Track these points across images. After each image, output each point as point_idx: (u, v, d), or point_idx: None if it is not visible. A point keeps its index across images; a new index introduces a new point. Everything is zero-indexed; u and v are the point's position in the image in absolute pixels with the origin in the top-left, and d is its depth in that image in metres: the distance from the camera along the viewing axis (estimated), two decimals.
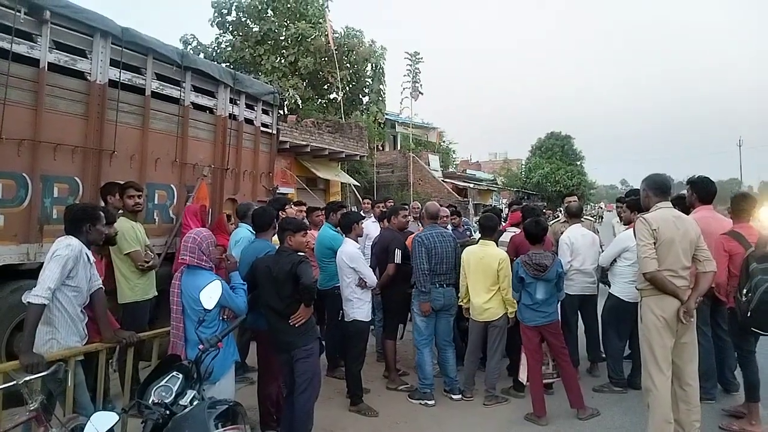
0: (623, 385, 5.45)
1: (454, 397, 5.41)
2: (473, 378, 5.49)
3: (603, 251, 5.99)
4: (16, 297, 4.91)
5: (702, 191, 5.13)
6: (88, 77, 5.61)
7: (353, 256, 5.12)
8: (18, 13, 4.90)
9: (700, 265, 3.96)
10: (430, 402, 5.27)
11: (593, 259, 5.84)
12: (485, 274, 5.28)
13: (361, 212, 9.63)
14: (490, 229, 5.56)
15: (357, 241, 5.37)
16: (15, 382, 2.91)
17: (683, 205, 5.42)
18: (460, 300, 5.47)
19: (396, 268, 5.62)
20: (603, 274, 6.00)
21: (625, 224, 5.85)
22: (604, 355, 5.95)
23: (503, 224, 6.86)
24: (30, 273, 5.07)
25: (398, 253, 5.65)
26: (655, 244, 3.89)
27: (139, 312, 4.72)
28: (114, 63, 5.84)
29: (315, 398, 4.12)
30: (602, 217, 45.13)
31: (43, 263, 4.90)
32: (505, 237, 6.10)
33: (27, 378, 2.92)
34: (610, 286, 5.76)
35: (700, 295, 3.92)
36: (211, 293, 3.31)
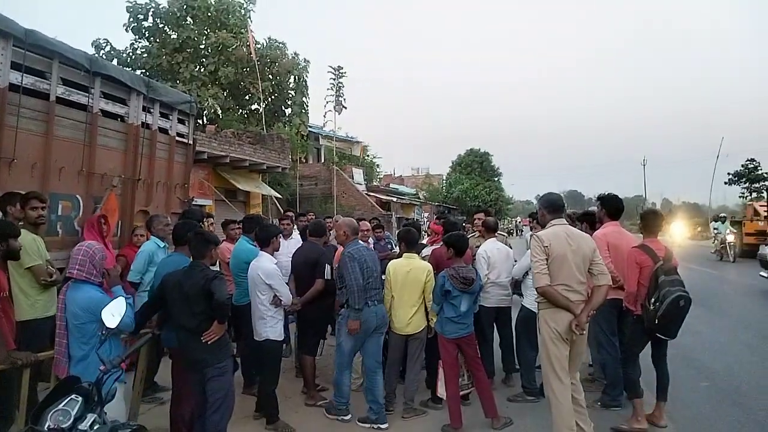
0: (536, 394, 5.61)
1: (382, 427, 5.02)
2: (394, 391, 5.47)
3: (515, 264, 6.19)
4: None
5: (611, 207, 5.51)
6: None
7: (270, 272, 4.95)
8: None
9: (594, 279, 4.20)
10: (346, 417, 5.19)
11: (508, 271, 6.03)
12: (413, 287, 5.31)
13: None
14: (412, 243, 5.62)
15: (273, 256, 5.22)
16: None
17: (592, 220, 5.75)
18: None
19: (323, 284, 5.56)
20: (516, 286, 6.18)
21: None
22: (518, 366, 6.11)
23: (426, 238, 6.94)
24: None
25: (328, 268, 5.61)
26: (547, 260, 4.10)
27: (40, 330, 4.40)
28: (15, 66, 5.49)
29: (228, 417, 3.99)
30: (521, 230, 46.78)
31: None
32: (427, 251, 6.16)
33: None
34: (522, 297, 5.97)
35: (593, 308, 4.13)
36: (113, 311, 3.13)
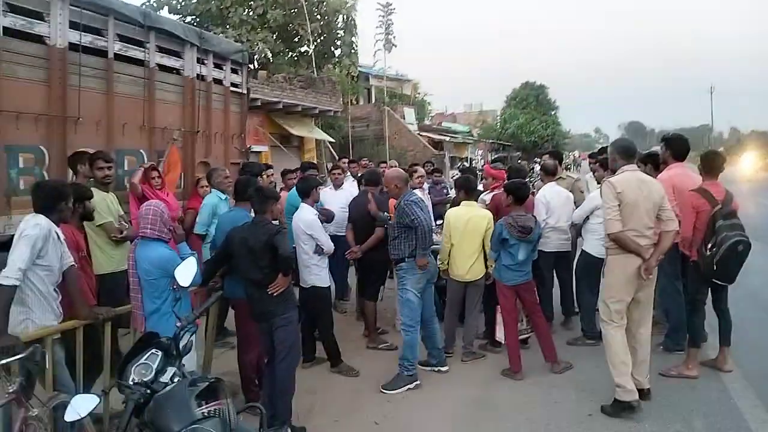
0: (596, 337, 5.57)
1: (443, 369, 5.14)
2: (454, 335, 5.57)
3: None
4: None
5: (677, 148, 5.28)
6: (47, 41, 5.40)
7: (310, 223, 5.06)
8: None
9: (662, 224, 4.23)
10: (418, 383, 4.94)
11: (567, 216, 5.93)
12: (472, 236, 5.29)
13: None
14: (471, 190, 5.57)
15: (313, 207, 5.26)
16: None
17: (656, 162, 5.53)
18: (440, 262, 5.45)
19: (384, 231, 5.62)
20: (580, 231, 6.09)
21: (597, 182, 5.92)
22: (577, 309, 6.10)
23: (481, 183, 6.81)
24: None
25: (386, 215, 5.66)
26: (619, 206, 4.12)
27: (118, 282, 4.65)
28: (73, 25, 5.61)
29: (296, 365, 4.19)
30: (580, 165, 45.50)
31: (12, 236, 4.89)
32: (486, 196, 6.03)
33: (3, 361, 2.88)
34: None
35: (662, 253, 4.20)
36: (185, 270, 3.28)
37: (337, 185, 6.88)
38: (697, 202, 4.63)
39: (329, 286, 5.50)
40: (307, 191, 5.21)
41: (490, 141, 41.14)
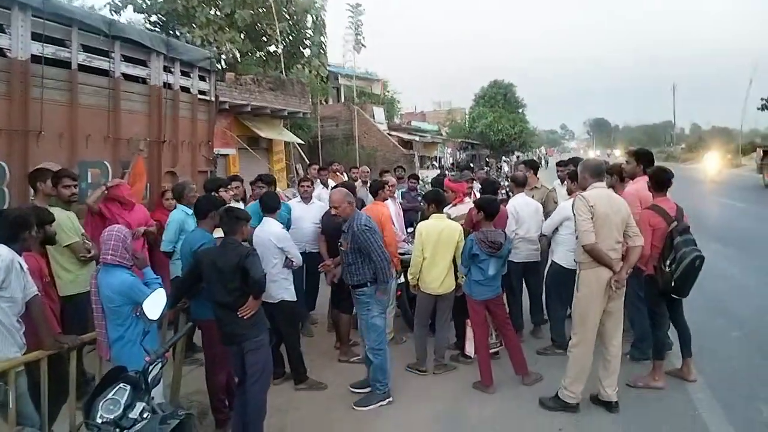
0: (565, 347, 5.64)
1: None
2: (426, 349, 5.55)
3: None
4: None
5: (645, 162, 5.45)
6: (8, 53, 5.28)
7: (281, 236, 5.05)
8: None
9: (630, 240, 4.42)
10: (390, 399, 4.90)
11: (537, 227, 6.01)
12: (445, 249, 5.30)
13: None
14: (442, 203, 5.59)
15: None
16: None
17: (621, 174, 5.67)
18: (410, 276, 5.47)
19: None
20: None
21: (568, 192, 6.00)
22: (546, 318, 6.19)
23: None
24: None
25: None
26: (591, 219, 4.29)
27: (83, 304, 4.55)
28: (36, 37, 5.46)
29: (267, 387, 4.14)
30: (548, 162, 46.05)
31: None
32: (450, 210, 5.96)
33: None
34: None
35: (630, 267, 4.42)
36: (154, 303, 3.22)
37: (307, 199, 6.69)
38: (654, 219, 4.77)
39: (296, 300, 5.46)
40: (274, 209, 5.18)
41: (459, 140, 41.40)
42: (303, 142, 19.75)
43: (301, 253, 5.54)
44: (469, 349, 5.30)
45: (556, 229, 5.80)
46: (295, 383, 5.28)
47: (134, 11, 21.34)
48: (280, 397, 4.94)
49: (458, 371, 5.48)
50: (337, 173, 9.68)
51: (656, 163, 5.52)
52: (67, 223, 4.59)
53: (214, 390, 4.45)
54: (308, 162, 15.13)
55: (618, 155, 42.34)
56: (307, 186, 6.76)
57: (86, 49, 6.13)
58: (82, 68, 6.06)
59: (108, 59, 6.39)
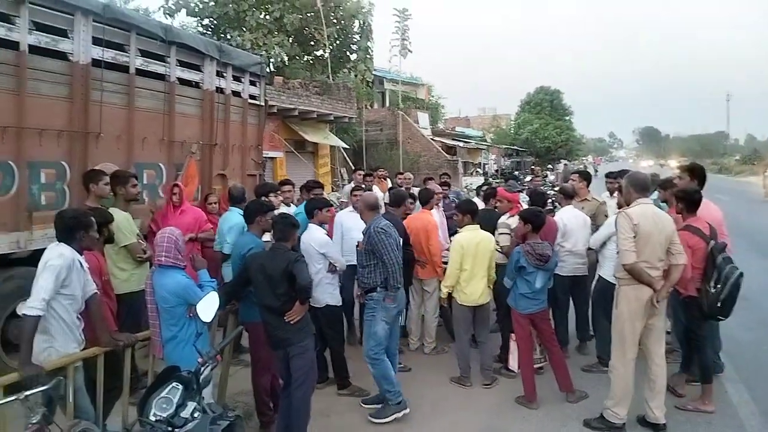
0: None
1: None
2: (469, 362, 5.48)
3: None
4: (9, 286, 4.96)
5: (700, 178, 5.31)
6: (71, 58, 5.45)
7: (322, 242, 5.08)
8: None
9: (672, 257, 4.32)
10: (406, 411, 4.80)
11: (584, 240, 5.89)
12: (483, 258, 5.31)
13: (352, 183, 9.60)
14: (476, 213, 5.54)
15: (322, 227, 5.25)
16: (16, 397, 2.91)
17: (673, 188, 5.52)
18: (444, 287, 5.44)
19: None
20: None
21: (619, 206, 5.87)
22: (592, 333, 6.07)
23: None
24: (21, 261, 5.07)
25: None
26: (634, 237, 4.22)
27: (137, 302, 4.71)
28: (96, 41, 5.65)
29: (311, 392, 4.20)
30: (596, 171, 45.07)
31: (34, 251, 4.96)
32: (509, 220, 5.81)
33: (28, 393, 2.92)
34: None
35: (671, 285, 4.36)
36: (208, 306, 3.30)
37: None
38: (692, 240, 4.64)
39: (341, 305, 5.49)
40: (311, 212, 5.22)
41: (504, 146, 41.02)
42: (348, 147, 19.98)
43: (352, 266, 5.51)
44: (513, 363, 5.24)
45: (604, 243, 5.70)
46: (338, 388, 5.31)
47: (187, 15, 22.04)
48: (323, 401, 4.98)
49: (501, 385, 5.42)
50: (383, 179, 9.73)
51: (708, 176, 5.39)
52: (125, 223, 4.75)
53: (259, 392, 4.52)
54: (353, 167, 15.24)
55: (673, 166, 40.94)
56: (359, 195, 6.51)
57: (143, 53, 6.30)
58: (140, 72, 6.23)
59: (164, 64, 6.57)
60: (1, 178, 4.87)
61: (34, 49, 5.10)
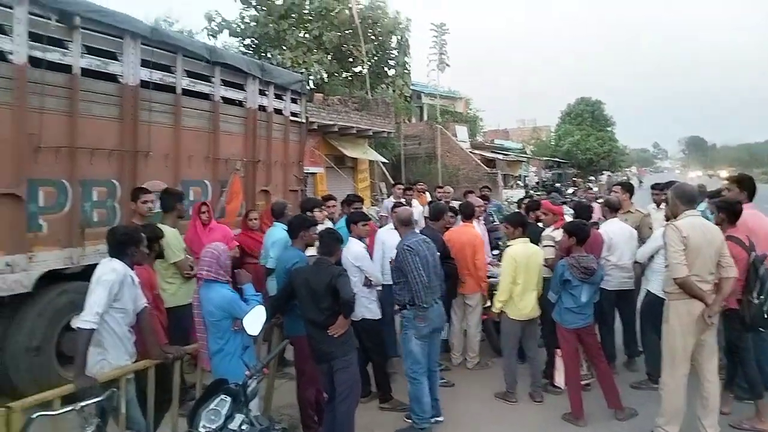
0: None
1: (439, 419, 4.87)
2: (516, 376, 5.41)
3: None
4: (62, 300, 5.11)
5: (750, 189, 5.13)
6: (120, 79, 5.65)
7: (357, 254, 5.10)
8: (49, 21, 4.94)
9: (723, 270, 4.19)
10: None
11: (631, 254, 5.76)
12: (534, 273, 5.25)
13: (392, 198, 9.65)
14: (526, 226, 5.50)
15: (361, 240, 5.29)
16: (72, 407, 3.00)
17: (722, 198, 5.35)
18: (498, 302, 5.35)
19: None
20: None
21: (666, 219, 5.73)
22: (641, 349, 5.92)
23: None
24: (74, 276, 5.25)
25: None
26: (684, 250, 4.10)
27: (186, 316, 4.81)
28: (144, 63, 5.86)
29: (355, 406, 4.21)
30: (641, 181, 44.04)
31: (85, 266, 5.13)
32: (554, 233, 5.71)
33: (83, 404, 3.01)
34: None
35: (723, 299, 4.21)
36: (254, 319, 3.36)
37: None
38: (735, 250, 4.46)
39: (380, 319, 5.47)
40: (348, 226, 5.30)
41: (544, 158, 40.55)
42: (386, 161, 20.07)
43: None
44: (559, 379, 5.14)
45: (652, 256, 5.57)
46: (379, 402, 5.30)
47: (229, 35, 22.56)
48: (366, 415, 4.96)
49: (547, 401, 5.31)
50: (422, 193, 9.74)
51: (758, 186, 5.21)
52: (173, 240, 4.89)
53: (304, 405, 4.56)
54: (392, 181, 15.31)
55: (722, 176, 39.65)
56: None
57: (189, 74, 6.50)
58: (186, 92, 6.43)
59: (209, 83, 6.76)
60: (55, 196, 5.07)
61: (86, 72, 5.32)
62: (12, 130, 4.66)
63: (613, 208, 6.02)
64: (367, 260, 5.22)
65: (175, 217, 5.16)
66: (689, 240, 4.08)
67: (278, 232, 5.58)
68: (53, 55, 4.99)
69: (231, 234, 6.05)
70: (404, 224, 4.94)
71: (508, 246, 5.52)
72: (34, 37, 4.80)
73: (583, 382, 5.07)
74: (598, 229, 5.83)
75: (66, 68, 5.14)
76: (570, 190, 25.06)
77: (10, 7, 4.61)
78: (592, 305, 4.98)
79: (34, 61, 4.82)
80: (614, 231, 5.78)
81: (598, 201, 8.10)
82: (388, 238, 5.80)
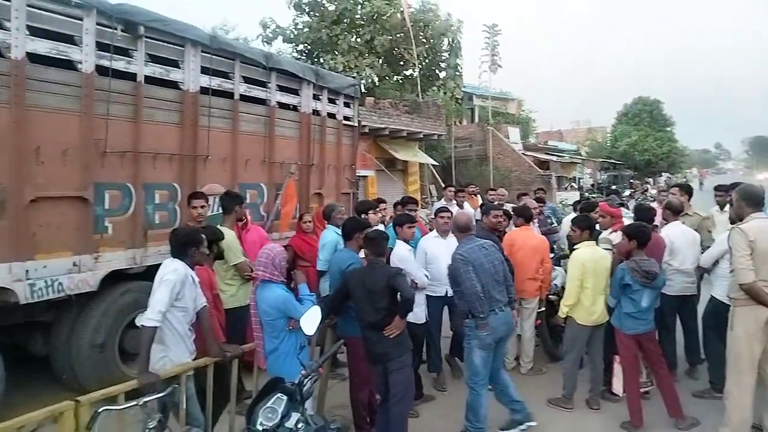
0: None
1: (532, 424, 4.71)
2: (576, 383, 5.27)
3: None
4: (126, 299, 5.31)
5: None
6: (181, 86, 5.84)
7: (402, 257, 5.09)
8: (115, 31, 5.15)
9: None
10: None
11: (693, 258, 5.56)
12: (602, 277, 5.09)
13: (442, 200, 9.60)
14: (593, 229, 5.35)
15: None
16: (135, 402, 3.12)
17: None
18: (565, 307, 5.20)
19: None
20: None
21: (731, 222, 5.51)
22: (703, 357, 5.70)
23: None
24: (136, 276, 5.46)
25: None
26: (751, 254, 3.95)
27: (243, 316, 4.93)
28: (204, 70, 6.04)
29: (409, 407, 4.22)
30: (702, 183, 42.45)
31: (147, 266, 5.32)
32: (612, 236, 5.63)
33: (146, 399, 3.12)
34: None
35: None
36: (311, 319, 3.42)
37: (445, 233, 5.69)
38: None
39: (425, 323, 5.44)
40: (394, 228, 5.32)
41: (600, 160, 39.55)
42: (437, 163, 20.01)
43: (439, 297, 5.55)
44: (617, 386, 4.99)
45: (716, 261, 5.35)
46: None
47: (283, 41, 23.02)
48: (418, 420, 4.96)
49: (604, 409, 5.17)
50: (473, 195, 9.66)
51: None
52: (234, 242, 5.00)
53: (357, 406, 4.59)
54: (442, 184, 15.25)
55: None
56: (448, 218, 5.75)
57: (246, 80, 6.67)
58: (243, 98, 6.59)
59: (265, 89, 6.91)
60: (120, 199, 5.29)
61: (149, 80, 5.53)
62: (81, 136, 4.90)
63: (675, 211, 5.81)
64: (412, 262, 5.20)
65: (234, 220, 5.28)
66: (756, 244, 3.93)
67: (328, 234, 5.66)
68: (119, 64, 5.21)
69: (265, 235, 6.11)
70: (462, 230, 4.75)
71: (574, 249, 5.34)
72: (101, 46, 5.03)
73: (642, 390, 4.92)
74: (658, 232, 5.65)
75: (131, 76, 5.35)
76: (627, 192, 24.37)
77: (80, 19, 4.84)
78: (653, 311, 4.83)
79: (101, 70, 5.04)
80: (676, 234, 5.58)
81: (657, 203, 7.85)
82: (432, 247, 5.66)
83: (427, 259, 5.60)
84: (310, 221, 6.43)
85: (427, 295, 5.48)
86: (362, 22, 22.39)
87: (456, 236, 4.84)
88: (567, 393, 5.22)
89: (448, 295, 5.39)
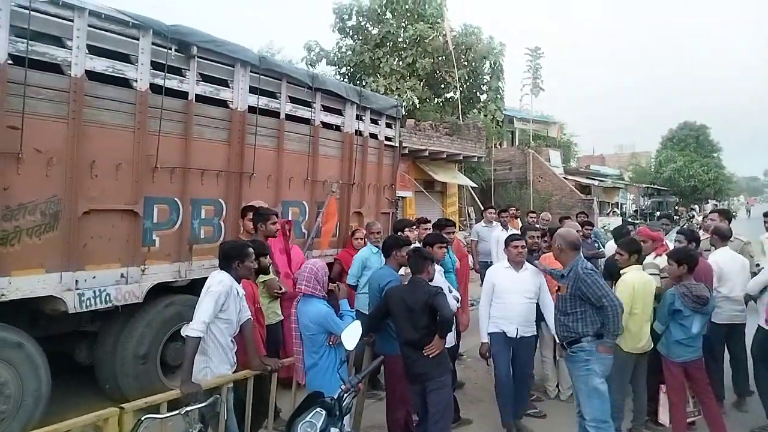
0: None
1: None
2: (623, 411, 5.02)
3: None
4: (170, 311, 5.42)
5: None
6: (230, 105, 6.00)
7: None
8: (169, 51, 5.34)
9: None
10: None
11: (742, 285, 5.39)
12: (649, 302, 4.87)
13: (482, 222, 9.57)
14: (640, 253, 5.09)
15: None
16: (178, 411, 3.18)
17: None
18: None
19: None
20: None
21: None
22: (752, 389, 5.48)
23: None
24: (180, 289, 5.58)
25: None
26: None
27: (275, 333, 4.99)
28: (252, 90, 6.20)
29: (448, 428, 4.17)
30: (749, 212, 41.12)
31: (192, 280, 5.43)
32: (657, 260, 5.46)
33: (188, 408, 3.18)
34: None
35: None
36: (351, 334, 3.44)
37: (518, 264, 5.23)
38: None
39: (454, 346, 5.35)
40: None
41: (644, 185, 38.70)
42: (476, 185, 19.94)
43: (508, 338, 5.09)
44: (663, 416, 4.83)
45: (764, 289, 5.18)
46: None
47: (327, 64, 23.47)
48: None
49: None
50: (515, 218, 9.59)
51: None
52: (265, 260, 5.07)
53: (394, 426, 4.57)
54: (482, 206, 15.18)
55: None
56: (522, 247, 5.25)
57: (292, 100, 6.81)
58: (288, 117, 6.73)
59: (310, 109, 7.05)
60: (168, 214, 5.43)
61: (199, 98, 5.70)
62: (133, 152, 5.06)
63: (723, 237, 5.66)
64: (441, 283, 5.09)
65: (264, 237, 5.29)
66: None
67: (362, 251, 5.79)
68: (172, 82, 5.40)
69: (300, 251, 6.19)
70: (574, 248, 4.42)
71: (621, 274, 5.03)
72: (155, 65, 5.22)
73: (689, 420, 4.75)
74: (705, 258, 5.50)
75: (182, 94, 5.54)
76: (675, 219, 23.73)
77: (137, 38, 5.05)
78: (701, 338, 4.69)
79: (155, 88, 5.23)
80: (725, 261, 5.45)
81: (700, 229, 7.68)
82: (501, 278, 5.21)
83: (495, 292, 5.22)
84: (362, 238, 6.49)
85: (491, 333, 5.16)
86: (405, 46, 22.65)
87: (569, 254, 4.41)
88: (615, 422, 5.04)
89: (519, 336, 5.08)
